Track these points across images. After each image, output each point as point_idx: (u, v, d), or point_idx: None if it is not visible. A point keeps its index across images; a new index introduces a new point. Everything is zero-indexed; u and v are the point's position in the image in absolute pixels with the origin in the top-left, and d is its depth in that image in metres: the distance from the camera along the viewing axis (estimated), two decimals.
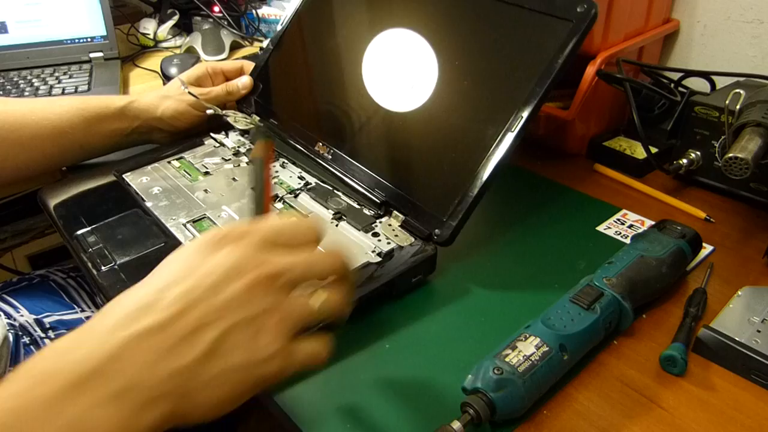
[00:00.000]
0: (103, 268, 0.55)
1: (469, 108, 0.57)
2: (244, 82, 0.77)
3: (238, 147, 0.73)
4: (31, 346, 0.65)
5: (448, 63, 0.60)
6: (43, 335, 0.67)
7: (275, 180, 0.66)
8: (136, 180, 0.67)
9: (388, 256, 0.54)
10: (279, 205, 0.62)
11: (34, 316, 0.68)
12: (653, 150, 0.71)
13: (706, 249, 0.59)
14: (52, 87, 0.96)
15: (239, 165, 0.69)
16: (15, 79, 0.98)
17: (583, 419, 0.43)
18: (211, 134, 0.75)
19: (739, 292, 0.52)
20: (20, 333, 0.65)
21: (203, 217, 0.60)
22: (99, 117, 0.69)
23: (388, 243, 0.55)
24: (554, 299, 0.48)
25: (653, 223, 0.59)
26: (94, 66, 1.03)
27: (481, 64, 0.58)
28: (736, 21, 0.81)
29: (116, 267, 0.55)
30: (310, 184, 0.65)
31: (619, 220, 0.64)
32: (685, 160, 0.68)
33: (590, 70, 0.70)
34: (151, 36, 1.14)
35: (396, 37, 0.65)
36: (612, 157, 0.75)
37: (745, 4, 0.80)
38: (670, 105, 0.74)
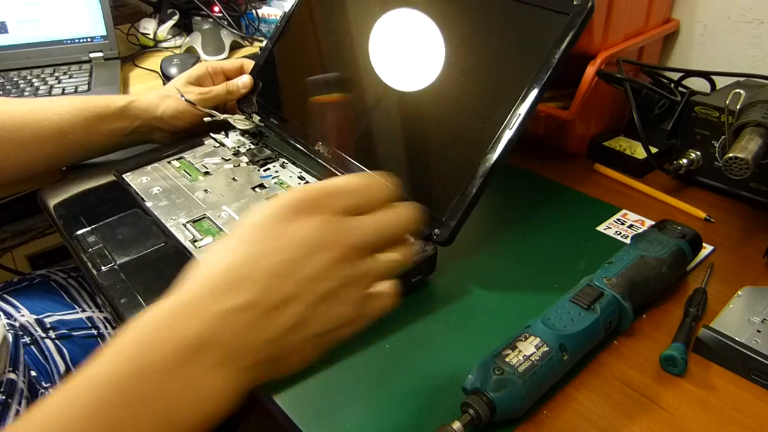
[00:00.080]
0: (103, 268, 0.55)
1: (465, 105, 0.57)
2: (244, 81, 0.77)
3: (238, 147, 0.73)
4: (31, 346, 0.65)
5: (445, 62, 0.60)
6: (43, 335, 0.67)
7: (275, 180, 0.66)
8: (136, 180, 0.67)
9: None
10: None
11: (35, 316, 0.68)
12: (653, 150, 0.71)
13: (706, 249, 0.59)
14: (52, 87, 0.96)
15: (239, 165, 0.69)
16: (15, 79, 0.98)
17: (583, 419, 0.43)
18: (211, 134, 0.75)
19: (739, 292, 0.52)
20: (20, 333, 0.65)
21: (203, 217, 0.60)
22: (99, 117, 0.69)
23: None
24: (554, 299, 0.48)
25: (653, 223, 0.59)
26: (94, 66, 1.03)
27: (477, 59, 0.58)
28: (736, 21, 0.81)
29: (116, 267, 0.55)
30: (310, 184, 0.65)
31: (619, 220, 0.64)
32: (685, 160, 0.68)
33: (590, 70, 0.70)
34: (151, 36, 1.14)
35: (396, 37, 0.65)
36: (612, 157, 0.75)
37: (745, 4, 0.80)
38: (670, 105, 0.74)
